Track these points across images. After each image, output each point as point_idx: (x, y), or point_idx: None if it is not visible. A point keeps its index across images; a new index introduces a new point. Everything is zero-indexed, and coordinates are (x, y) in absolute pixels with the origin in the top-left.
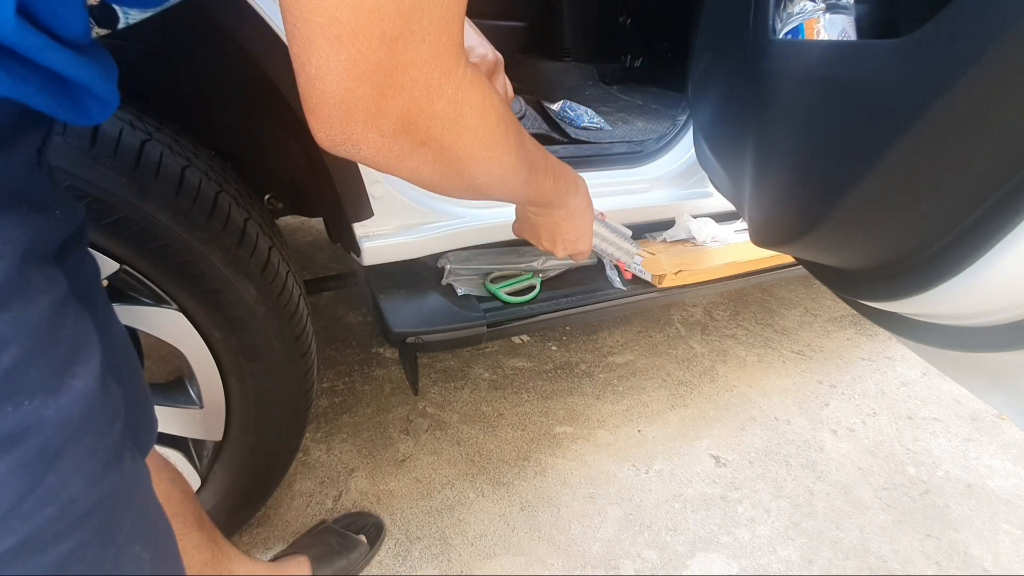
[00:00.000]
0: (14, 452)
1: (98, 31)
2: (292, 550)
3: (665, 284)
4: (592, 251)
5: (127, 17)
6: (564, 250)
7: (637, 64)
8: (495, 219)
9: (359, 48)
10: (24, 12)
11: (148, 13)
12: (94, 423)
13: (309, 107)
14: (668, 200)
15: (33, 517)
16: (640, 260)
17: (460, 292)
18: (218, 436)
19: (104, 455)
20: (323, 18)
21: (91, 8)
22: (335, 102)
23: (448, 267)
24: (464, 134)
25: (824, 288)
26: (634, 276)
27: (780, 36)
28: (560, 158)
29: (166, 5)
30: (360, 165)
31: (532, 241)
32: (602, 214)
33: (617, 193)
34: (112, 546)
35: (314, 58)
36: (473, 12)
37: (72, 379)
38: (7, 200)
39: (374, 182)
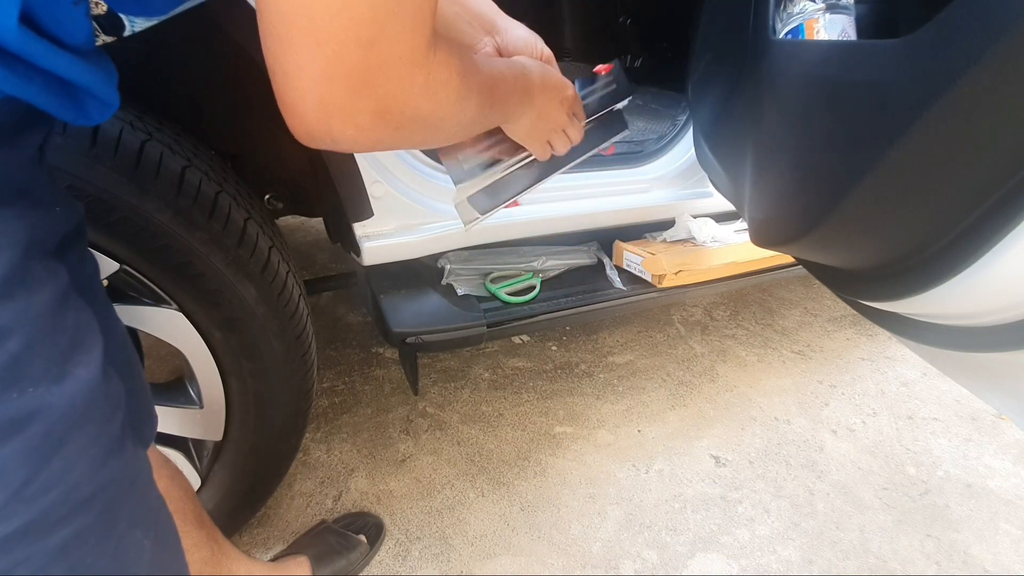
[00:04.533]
0: (19, 437)
1: (104, 38)
2: (292, 550)
3: (665, 284)
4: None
5: (132, 25)
6: (563, 143)
7: (637, 64)
8: (495, 219)
9: (336, 51)
10: (28, 20)
11: (154, 21)
12: (97, 411)
13: (285, 104)
14: (668, 200)
15: (37, 501)
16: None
17: (460, 292)
18: (218, 436)
19: (107, 443)
20: (302, 20)
21: (97, 17)
22: (312, 101)
23: (448, 267)
24: (435, 108)
25: (824, 288)
26: (634, 276)
27: (780, 36)
28: None
29: (172, 13)
30: (360, 165)
31: (539, 152)
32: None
33: (617, 193)
34: (114, 531)
35: (291, 58)
36: None
37: (75, 368)
38: (9, 195)
39: (374, 182)
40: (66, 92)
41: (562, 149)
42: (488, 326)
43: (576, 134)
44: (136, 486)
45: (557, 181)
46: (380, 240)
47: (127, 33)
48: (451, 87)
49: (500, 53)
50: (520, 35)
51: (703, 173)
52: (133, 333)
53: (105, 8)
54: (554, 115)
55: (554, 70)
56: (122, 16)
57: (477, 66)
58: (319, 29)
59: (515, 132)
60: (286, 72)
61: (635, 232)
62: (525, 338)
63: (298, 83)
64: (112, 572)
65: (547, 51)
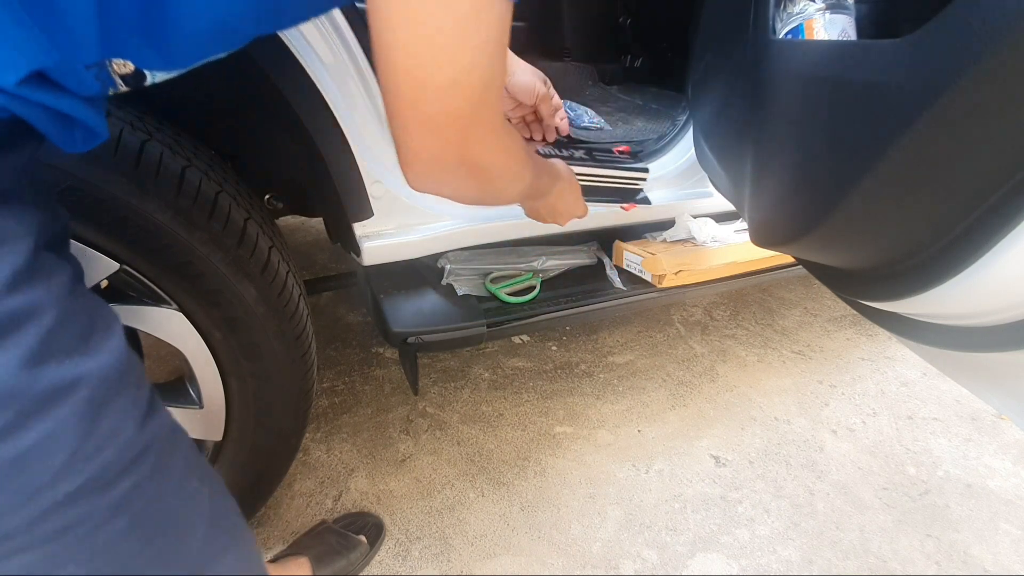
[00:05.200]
0: (68, 402)
1: (124, 88)
2: (292, 550)
3: (665, 284)
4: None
5: (154, 77)
6: (566, 220)
7: (637, 64)
8: (495, 219)
9: (444, 134)
10: (40, 76)
11: (175, 74)
12: (129, 378)
13: (407, 163)
14: (668, 200)
15: (95, 458)
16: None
17: (460, 292)
18: (218, 436)
19: (143, 405)
20: (419, 113)
21: (124, 75)
22: (429, 165)
23: (448, 267)
24: (509, 166)
25: (824, 288)
26: (634, 276)
27: (780, 36)
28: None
29: (194, 66)
30: (360, 165)
31: (541, 220)
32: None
33: None
34: (170, 481)
35: (413, 136)
36: None
37: (102, 342)
38: (23, 192)
39: (374, 182)
40: (64, 122)
41: (564, 223)
42: (488, 326)
43: (564, 224)
44: (179, 441)
45: None
46: (380, 240)
47: (148, 83)
48: (518, 153)
49: (507, 89)
50: (526, 78)
51: (703, 173)
52: (133, 333)
53: (132, 68)
54: (561, 212)
55: (577, 185)
56: (145, 70)
57: (530, 148)
58: (424, 118)
59: (530, 207)
60: (414, 150)
61: (635, 232)
62: (525, 338)
63: (422, 154)
64: (172, 519)
65: (543, 90)
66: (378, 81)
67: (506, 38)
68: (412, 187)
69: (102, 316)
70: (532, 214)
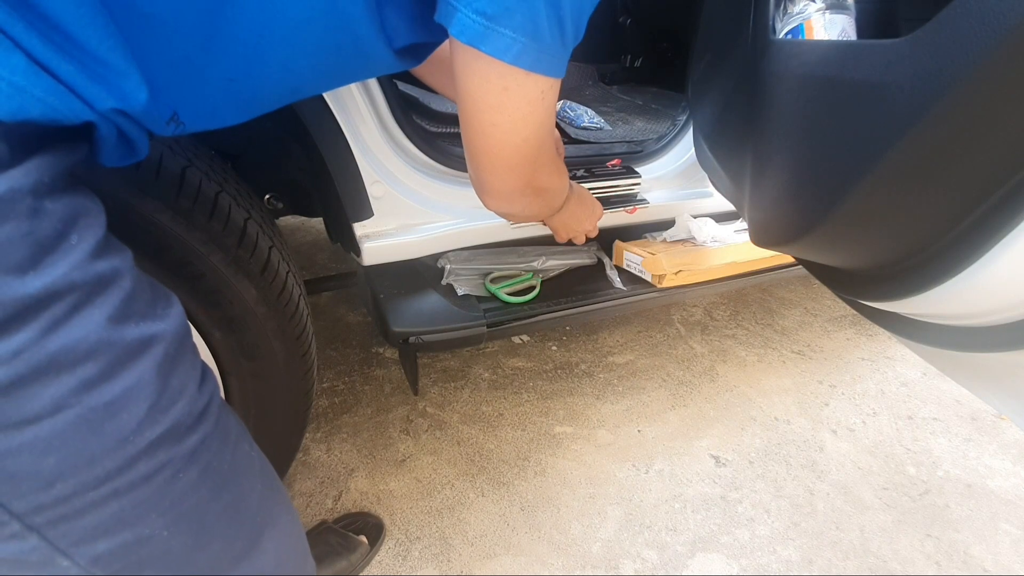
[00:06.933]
0: (146, 357)
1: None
2: None
3: (665, 284)
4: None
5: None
6: (592, 223)
7: (637, 64)
8: (495, 219)
9: (517, 173)
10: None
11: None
12: (188, 343)
13: (493, 198)
14: (668, 200)
15: (170, 411)
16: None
17: (460, 292)
18: None
19: (200, 369)
20: (496, 160)
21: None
22: (509, 194)
23: (448, 267)
24: (559, 185)
25: (824, 288)
26: (634, 276)
27: (780, 36)
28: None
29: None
30: (360, 165)
31: (571, 233)
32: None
33: None
34: (229, 440)
35: (492, 176)
36: None
37: (167, 308)
38: (87, 181)
39: (374, 182)
40: (122, 141)
41: (578, 242)
42: (488, 326)
43: (593, 234)
44: (227, 408)
45: None
46: (380, 240)
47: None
48: (564, 171)
49: None
50: None
51: (703, 173)
52: None
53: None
54: (581, 219)
55: (585, 190)
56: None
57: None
58: (506, 164)
59: (552, 219)
60: (492, 183)
61: (635, 232)
62: (525, 338)
63: (499, 188)
64: (234, 476)
65: (556, 134)
66: (464, 141)
67: (556, 100)
68: (491, 209)
69: (161, 287)
70: (562, 230)
